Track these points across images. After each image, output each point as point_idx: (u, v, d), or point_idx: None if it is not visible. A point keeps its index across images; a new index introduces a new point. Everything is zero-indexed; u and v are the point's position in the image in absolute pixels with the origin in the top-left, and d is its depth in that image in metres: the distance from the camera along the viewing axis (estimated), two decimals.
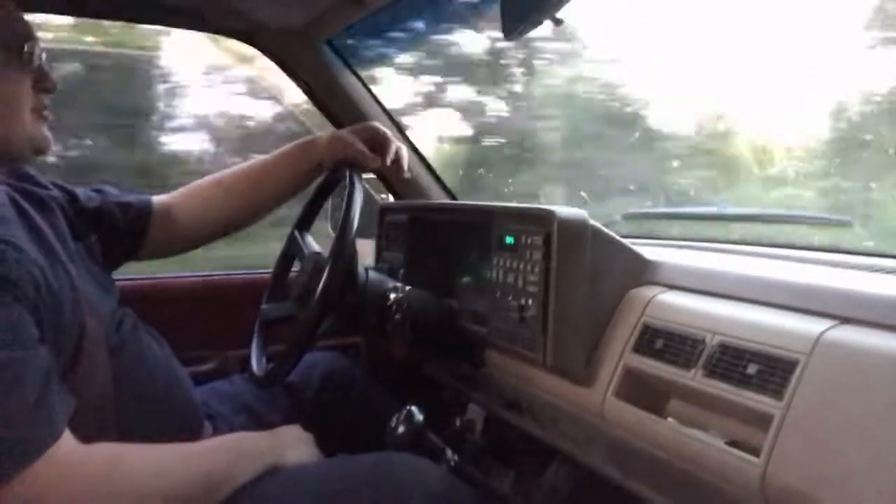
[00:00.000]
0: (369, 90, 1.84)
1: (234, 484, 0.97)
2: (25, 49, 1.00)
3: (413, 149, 1.88)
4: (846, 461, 0.69)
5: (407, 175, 1.48)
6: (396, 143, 1.39)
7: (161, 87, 2.81)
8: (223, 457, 1.01)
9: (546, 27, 1.17)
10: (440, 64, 2.85)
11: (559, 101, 3.05)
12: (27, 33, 1.01)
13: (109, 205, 1.25)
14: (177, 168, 2.82)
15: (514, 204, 1.23)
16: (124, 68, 2.67)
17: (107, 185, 1.31)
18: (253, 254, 2.07)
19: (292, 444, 1.10)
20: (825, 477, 0.70)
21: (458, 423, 1.49)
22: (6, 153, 1.01)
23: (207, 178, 1.39)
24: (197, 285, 1.77)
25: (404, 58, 2.63)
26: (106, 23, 2.36)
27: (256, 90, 2.77)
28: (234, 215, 1.39)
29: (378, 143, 1.36)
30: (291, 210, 1.49)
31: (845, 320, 0.78)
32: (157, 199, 1.34)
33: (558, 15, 1.13)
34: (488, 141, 3.21)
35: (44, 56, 1.04)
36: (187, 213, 1.35)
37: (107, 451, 0.91)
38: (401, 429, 1.19)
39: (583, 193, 2.59)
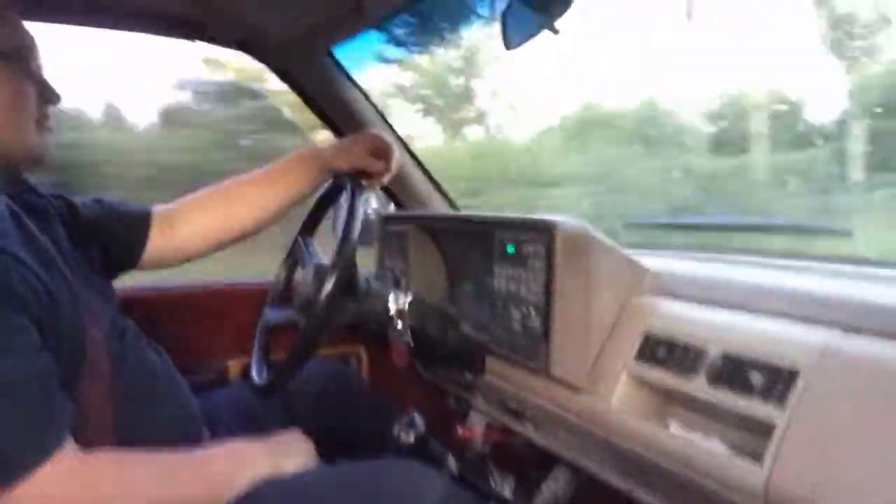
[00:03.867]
0: (370, 99, 1.84)
1: (233, 491, 0.97)
2: (32, 59, 1.00)
3: (414, 158, 1.89)
4: (848, 469, 0.69)
5: (384, 182, 1.44)
6: (395, 152, 1.39)
7: None
8: (223, 464, 1.01)
9: None
10: None
11: None
12: (31, 43, 1.02)
13: (109, 215, 1.25)
14: None
15: (515, 214, 1.23)
16: None
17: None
18: None
19: (291, 452, 1.10)
20: (827, 484, 0.70)
21: (459, 430, 1.49)
22: (10, 161, 1.01)
23: (209, 188, 1.39)
24: (197, 294, 1.77)
25: None
26: None
27: None
28: (236, 225, 1.39)
29: (380, 151, 1.37)
30: None
31: (848, 330, 0.78)
32: (158, 208, 1.34)
33: (556, 25, 1.15)
34: None
35: (43, 67, 1.04)
36: (188, 222, 1.35)
37: (109, 458, 0.91)
38: (403, 436, 1.19)
39: None
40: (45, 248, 1.00)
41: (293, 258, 1.40)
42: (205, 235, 1.37)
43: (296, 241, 1.40)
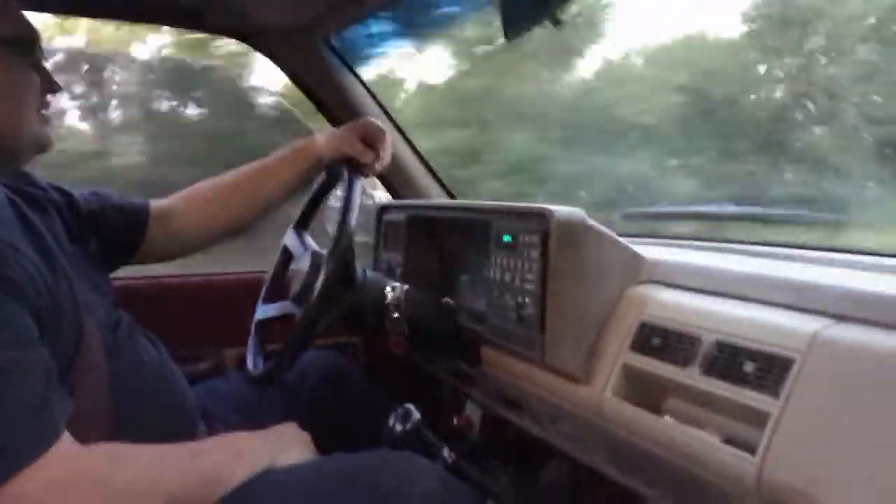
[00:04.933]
0: (368, 89, 1.84)
1: (230, 483, 0.97)
2: (37, 48, 1.00)
3: (412, 147, 1.89)
4: (842, 458, 0.69)
5: (378, 170, 1.42)
6: (388, 139, 1.39)
7: None
8: (220, 456, 1.00)
9: None
10: None
11: None
12: (33, 33, 1.02)
13: (107, 208, 1.25)
14: None
15: (512, 203, 1.23)
16: None
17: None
18: None
19: (288, 444, 1.10)
20: (821, 474, 0.70)
21: (455, 421, 1.49)
22: (12, 150, 1.01)
23: (206, 182, 1.39)
24: (193, 284, 1.77)
25: None
26: None
27: None
28: (233, 218, 1.39)
29: (373, 138, 1.37)
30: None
31: (841, 318, 0.78)
32: (156, 202, 1.34)
33: (558, 15, 1.14)
34: None
35: (45, 57, 1.04)
36: (186, 216, 1.35)
37: (106, 451, 0.91)
38: (398, 427, 1.19)
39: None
40: (44, 238, 1.00)
41: (287, 250, 1.40)
42: (201, 229, 1.37)
43: (290, 234, 1.40)
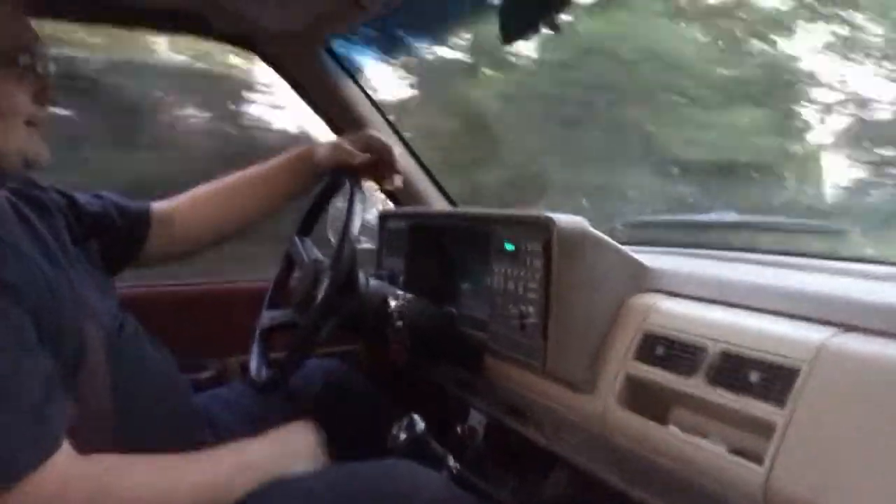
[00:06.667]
0: (368, 95, 1.84)
1: (236, 494, 0.97)
2: (22, 57, 0.97)
3: (413, 155, 1.89)
4: (849, 469, 0.69)
5: (398, 185, 1.43)
6: (394, 153, 1.38)
7: None
8: (226, 467, 1.00)
9: None
10: None
11: None
12: (26, 40, 0.99)
13: (109, 210, 1.25)
14: None
15: (513, 211, 1.22)
16: None
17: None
18: None
19: (297, 451, 1.09)
20: (828, 485, 0.70)
21: (459, 430, 1.49)
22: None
23: (207, 185, 1.39)
24: (197, 292, 1.77)
25: None
26: None
27: None
28: (233, 221, 1.39)
29: (375, 152, 1.36)
30: None
31: (847, 328, 0.78)
32: (157, 205, 1.34)
33: (556, 21, 1.14)
34: None
35: (49, 66, 1.01)
36: (187, 219, 1.35)
37: (106, 462, 0.90)
38: (402, 436, 1.19)
39: None
40: (46, 241, 1.00)
41: (290, 258, 1.40)
42: (202, 232, 1.37)
43: (292, 242, 1.40)
